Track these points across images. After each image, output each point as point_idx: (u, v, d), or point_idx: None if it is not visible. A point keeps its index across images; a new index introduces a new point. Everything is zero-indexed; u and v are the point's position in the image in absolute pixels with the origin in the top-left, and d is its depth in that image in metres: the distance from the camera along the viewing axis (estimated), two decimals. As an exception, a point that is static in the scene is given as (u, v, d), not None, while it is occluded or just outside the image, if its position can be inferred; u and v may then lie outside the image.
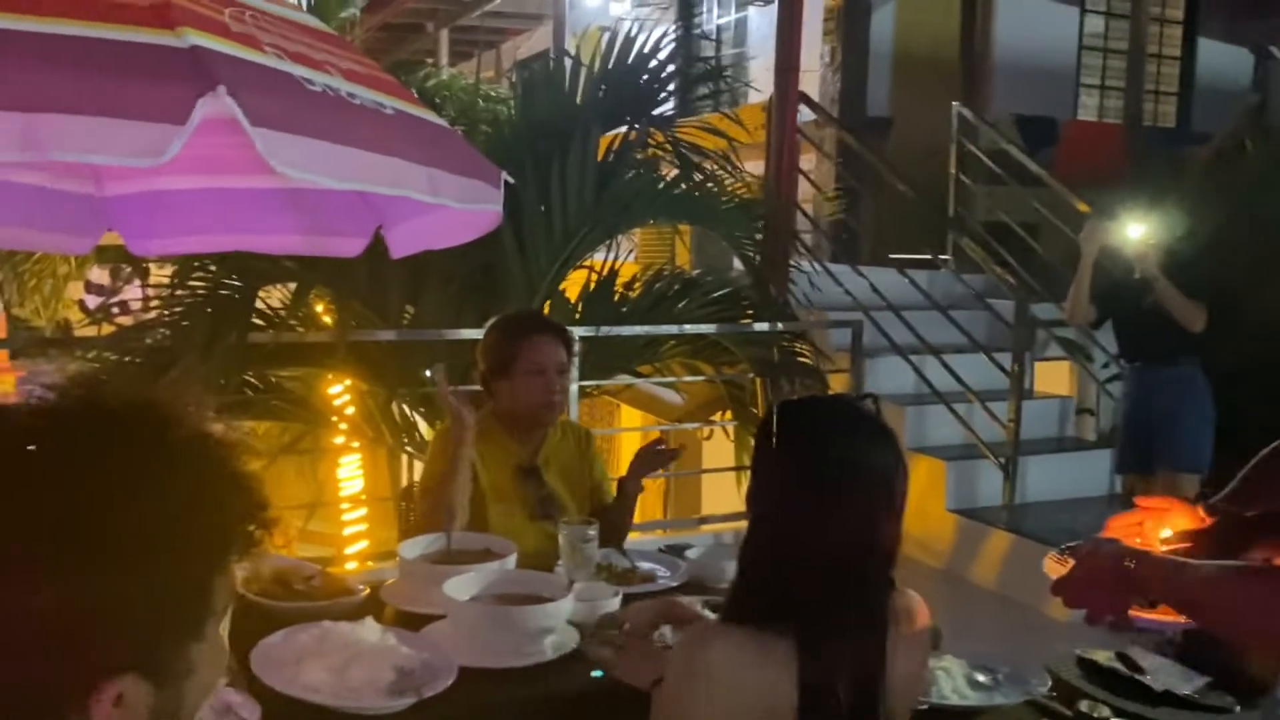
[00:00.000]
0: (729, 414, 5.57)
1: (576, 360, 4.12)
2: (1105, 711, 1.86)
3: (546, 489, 2.43)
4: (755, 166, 5.79)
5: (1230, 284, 4.36)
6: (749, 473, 1.52)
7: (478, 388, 2.59)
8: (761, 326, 5.18)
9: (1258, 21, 7.83)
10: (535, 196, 4.40)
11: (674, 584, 2.22)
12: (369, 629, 1.73)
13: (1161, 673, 1.99)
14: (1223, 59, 8.43)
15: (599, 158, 4.57)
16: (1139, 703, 1.89)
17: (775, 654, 1.32)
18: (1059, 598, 1.58)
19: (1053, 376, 5.96)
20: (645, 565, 2.32)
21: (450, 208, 1.64)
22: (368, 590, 2.01)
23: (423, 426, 4.83)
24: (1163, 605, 1.43)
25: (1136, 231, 3.78)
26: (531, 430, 2.51)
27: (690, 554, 2.33)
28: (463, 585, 1.91)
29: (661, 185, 4.70)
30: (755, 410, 5.29)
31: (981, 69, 7.52)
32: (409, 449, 4.65)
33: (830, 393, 1.65)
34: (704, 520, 5.67)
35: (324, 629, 1.71)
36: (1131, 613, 1.47)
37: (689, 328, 5.00)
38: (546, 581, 1.96)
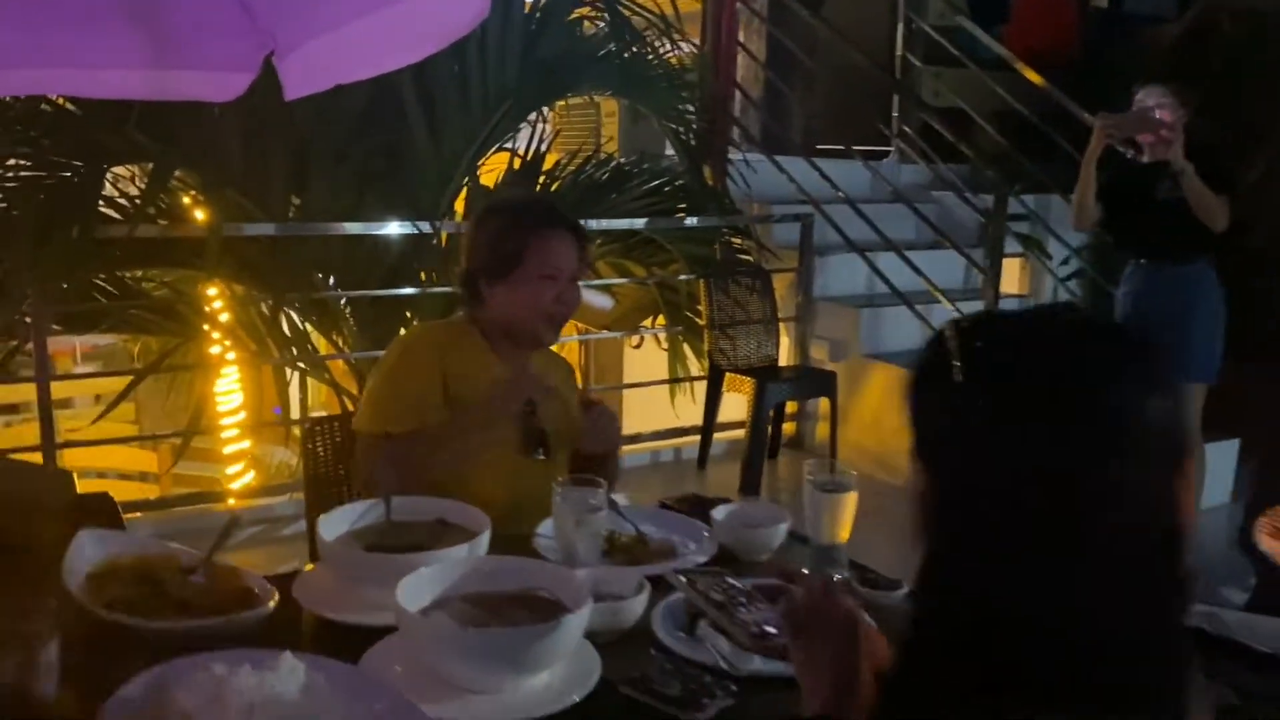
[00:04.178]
0: (661, 320, 5.01)
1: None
2: (1231, 697, 1.46)
3: (537, 420, 1.84)
4: (687, 45, 5.12)
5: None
6: (918, 440, 0.89)
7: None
8: (693, 221, 4.61)
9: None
10: (448, 61, 3.65)
11: (701, 558, 1.63)
12: (287, 673, 1.10)
13: (1246, 630, 1.57)
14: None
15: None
16: (1246, 669, 1.48)
17: None
18: None
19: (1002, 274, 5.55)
20: (652, 531, 1.73)
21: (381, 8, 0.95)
22: (276, 598, 1.35)
23: (316, 338, 4.12)
24: None
25: (1160, 116, 3.28)
26: (519, 350, 1.97)
27: (715, 514, 1.72)
28: (421, 586, 1.29)
29: (598, 52, 3.99)
30: (693, 315, 4.73)
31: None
32: (301, 365, 3.94)
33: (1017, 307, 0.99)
34: (630, 440, 5.13)
35: (216, 680, 1.07)
36: None
37: (621, 222, 4.39)
38: (545, 574, 1.33)
